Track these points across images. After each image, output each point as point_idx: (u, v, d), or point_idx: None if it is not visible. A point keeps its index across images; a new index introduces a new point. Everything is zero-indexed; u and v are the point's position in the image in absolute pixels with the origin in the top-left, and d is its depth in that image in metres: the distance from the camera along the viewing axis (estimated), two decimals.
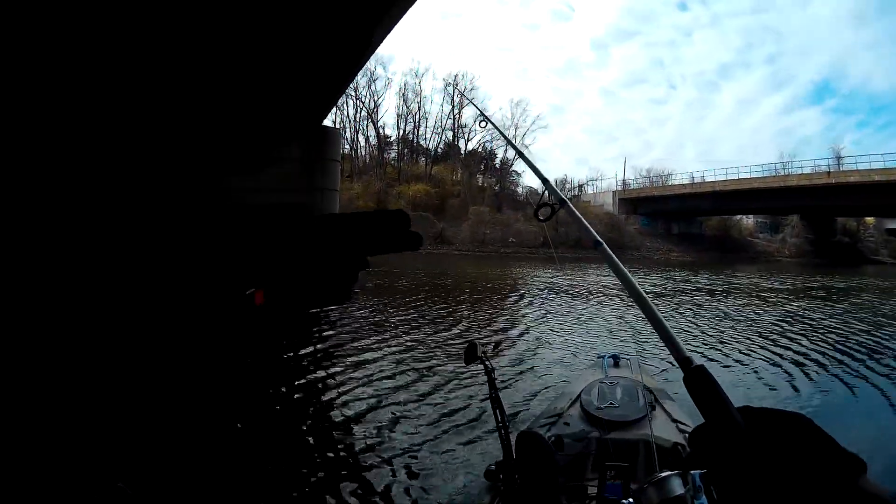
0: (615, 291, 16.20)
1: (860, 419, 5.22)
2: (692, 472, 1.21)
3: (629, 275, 1.10)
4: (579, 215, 1.36)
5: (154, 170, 12.97)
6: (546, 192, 1.56)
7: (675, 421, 2.47)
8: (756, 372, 6.87)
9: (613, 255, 1.16)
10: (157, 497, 3.08)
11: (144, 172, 12.71)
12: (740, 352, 8.03)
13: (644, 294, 1.05)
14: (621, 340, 8.57)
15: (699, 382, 0.84)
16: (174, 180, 13.48)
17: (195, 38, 8.67)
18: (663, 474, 1.19)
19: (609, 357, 3.42)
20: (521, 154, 2.07)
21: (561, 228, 43.00)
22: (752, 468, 0.61)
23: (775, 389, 6.09)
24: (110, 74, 9.27)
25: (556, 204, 1.51)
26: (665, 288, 18.55)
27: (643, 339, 8.41)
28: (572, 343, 8.41)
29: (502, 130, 2.48)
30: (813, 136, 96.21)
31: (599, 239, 1.24)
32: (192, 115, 12.23)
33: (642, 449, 2.14)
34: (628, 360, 3.43)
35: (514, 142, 2.45)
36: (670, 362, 6.74)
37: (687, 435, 2.18)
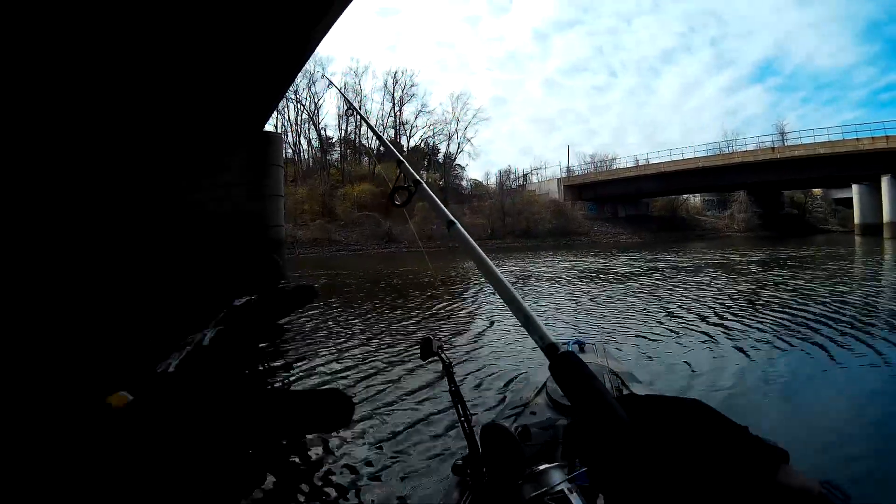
0: (574, 277, 16.38)
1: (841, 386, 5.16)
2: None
3: (486, 258, 1.10)
4: (433, 195, 1.39)
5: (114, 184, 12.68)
6: (401, 174, 1.53)
7: None
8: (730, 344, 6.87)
9: (468, 237, 1.18)
10: None
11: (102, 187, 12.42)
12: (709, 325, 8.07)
13: (502, 277, 1.04)
14: (586, 326, 8.42)
15: (567, 371, 0.74)
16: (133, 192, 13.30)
17: (142, 44, 8.36)
18: (541, 467, 1.09)
19: (574, 343, 3.34)
20: (378, 135, 2.11)
21: (508, 219, 43.59)
22: (643, 468, 0.53)
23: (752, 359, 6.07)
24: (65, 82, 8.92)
25: (411, 186, 1.48)
26: (616, 269, 18.88)
27: (608, 325, 8.37)
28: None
29: (364, 116, 2.54)
30: (757, 115, 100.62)
31: (453, 219, 1.26)
32: (140, 124, 11.80)
33: None
34: (594, 345, 3.36)
35: (371, 124, 2.51)
36: (637, 346, 6.81)
37: None
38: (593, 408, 0.64)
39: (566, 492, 1.02)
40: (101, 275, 12.29)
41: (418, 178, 1.48)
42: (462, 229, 1.22)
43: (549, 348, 0.82)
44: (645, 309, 9.86)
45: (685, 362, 6.05)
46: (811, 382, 5.27)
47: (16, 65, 7.88)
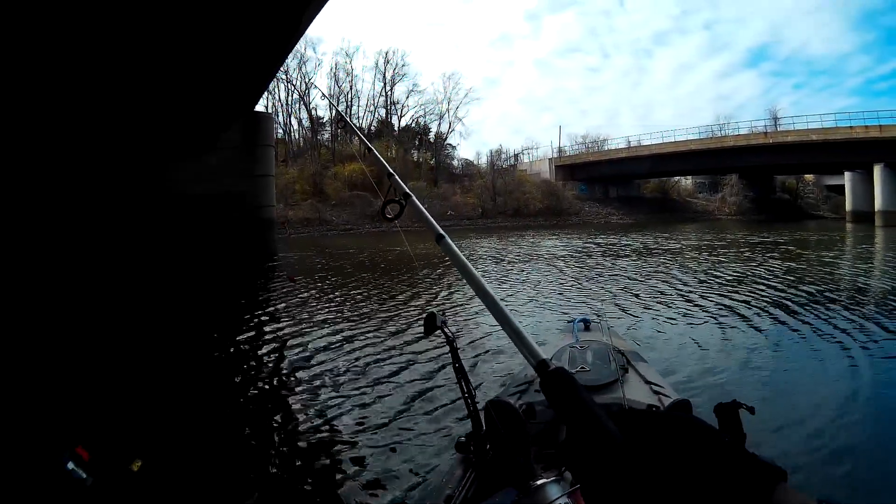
0: (575, 256, 16.38)
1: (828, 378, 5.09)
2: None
3: (475, 273, 1.08)
4: (423, 209, 1.42)
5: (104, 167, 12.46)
6: (391, 186, 1.58)
7: (648, 383, 2.37)
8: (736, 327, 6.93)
9: (457, 251, 1.16)
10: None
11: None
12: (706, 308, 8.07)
13: (491, 291, 1.02)
14: (590, 304, 8.46)
15: (558, 388, 0.71)
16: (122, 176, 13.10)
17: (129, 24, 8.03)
18: (538, 482, 1.00)
19: (579, 321, 3.30)
20: (369, 147, 2.16)
21: (499, 198, 43.52)
22: (637, 488, 0.52)
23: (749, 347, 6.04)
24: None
25: (401, 199, 1.52)
26: (602, 249, 18.83)
27: (613, 303, 8.41)
28: (539, 309, 8.26)
29: (354, 125, 2.86)
30: (750, 99, 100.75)
31: (442, 232, 1.27)
32: (129, 107, 11.48)
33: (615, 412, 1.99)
34: (599, 323, 3.31)
35: (361, 134, 2.59)
36: (644, 325, 6.83)
37: (661, 397, 2.15)
38: (586, 426, 0.61)
39: None
40: (86, 264, 12.15)
41: (408, 191, 1.52)
42: (451, 243, 1.21)
43: (539, 365, 0.76)
44: (644, 288, 10.00)
45: (690, 340, 6.18)
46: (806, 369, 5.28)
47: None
